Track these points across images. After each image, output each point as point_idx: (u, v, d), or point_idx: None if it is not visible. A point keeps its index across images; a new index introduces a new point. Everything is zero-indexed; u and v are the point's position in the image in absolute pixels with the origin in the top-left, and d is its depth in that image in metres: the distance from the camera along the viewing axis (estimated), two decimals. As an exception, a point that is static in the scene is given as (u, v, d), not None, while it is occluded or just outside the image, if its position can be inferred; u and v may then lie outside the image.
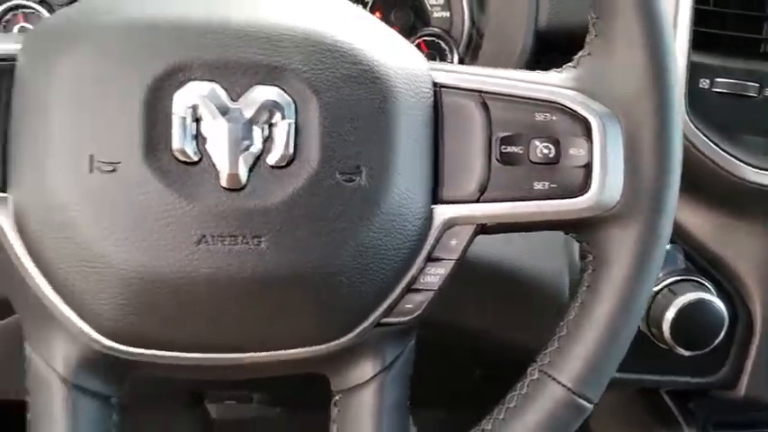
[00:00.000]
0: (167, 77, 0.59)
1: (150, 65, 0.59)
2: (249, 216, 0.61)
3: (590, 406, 0.71)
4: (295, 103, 0.62)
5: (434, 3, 1.32)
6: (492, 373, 1.42)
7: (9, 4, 1.14)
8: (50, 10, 1.16)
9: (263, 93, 0.62)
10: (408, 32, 1.29)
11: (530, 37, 1.15)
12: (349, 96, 0.64)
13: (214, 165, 0.61)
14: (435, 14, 1.32)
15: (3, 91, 0.62)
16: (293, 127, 0.62)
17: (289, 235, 0.62)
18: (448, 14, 1.32)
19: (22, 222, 0.62)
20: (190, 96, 0.60)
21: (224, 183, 0.61)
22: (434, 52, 1.30)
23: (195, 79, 0.61)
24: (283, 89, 0.62)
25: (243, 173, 0.61)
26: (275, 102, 0.62)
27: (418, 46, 1.29)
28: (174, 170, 0.60)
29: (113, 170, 0.59)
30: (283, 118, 0.62)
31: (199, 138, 0.61)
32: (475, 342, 1.21)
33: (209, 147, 0.61)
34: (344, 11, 0.70)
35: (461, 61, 1.30)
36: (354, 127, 0.64)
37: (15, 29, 1.15)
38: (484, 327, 1.12)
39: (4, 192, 0.62)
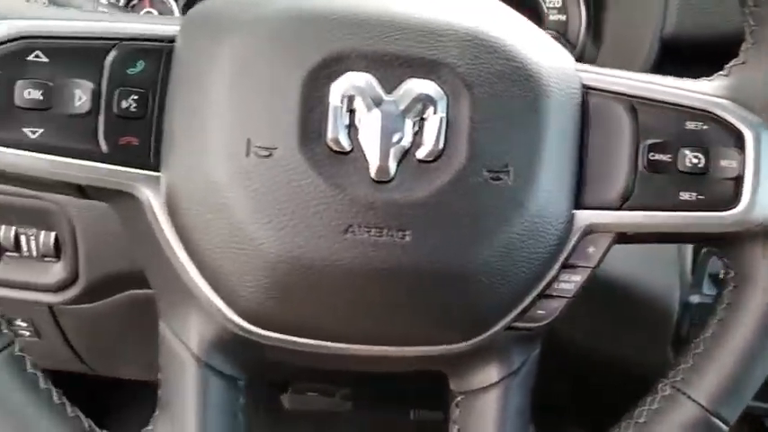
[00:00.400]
0: (325, 67, 0.59)
1: (309, 54, 0.59)
2: (395, 209, 0.61)
3: (725, 428, 0.68)
4: (447, 97, 0.62)
5: (551, 5, 1.29)
6: (582, 385, 1.39)
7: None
8: (176, -4, 1.19)
9: (418, 86, 0.61)
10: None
11: (655, 44, 1.12)
12: (501, 93, 0.63)
13: (365, 156, 0.61)
14: (551, 17, 1.30)
15: (161, 71, 0.63)
16: (444, 122, 0.61)
17: (432, 230, 0.61)
18: (564, 18, 1.30)
19: (172, 202, 0.63)
20: (346, 87, 0.61)
21: (373, 174, 0.60)
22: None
23: (352, 70, 0.61)
24: (437, 83, 0.62)
25: (392, 166, 0.61)
26: (429, 95, 0.61)
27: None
28: (327, 159, 0.60)
29: (269, 155, 0.60)
30: (435, 112, 0.61)
31: (352, 128, 0.61)
32: (570, 352, 1.18)
33: (361, 137, 0.61)
34: (497, 8, 0.69)
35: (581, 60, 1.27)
36: (505, 125, 0.63)
37: (142, 12, 1.19)
38: (582, 337, 1.09)
39: (156, 171, 0.63)
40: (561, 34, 1.28)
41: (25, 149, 0.61)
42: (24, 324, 1.22)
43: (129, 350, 1.31)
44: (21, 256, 1.08)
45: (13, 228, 1.04)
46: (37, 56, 0.61)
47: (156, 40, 0.62)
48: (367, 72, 0.61)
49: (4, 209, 1.02)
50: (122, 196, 0.64)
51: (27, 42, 0.61)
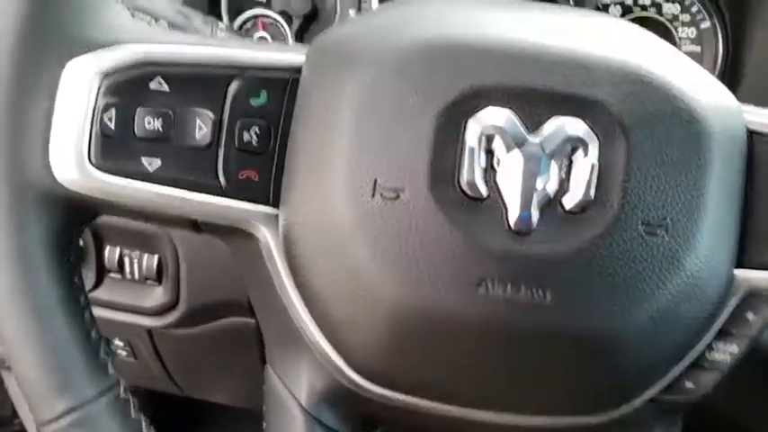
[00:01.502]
0: (461, 103, 0.54)
1: (443, 88, 0.54)
2: (536, 264, 0.54)
3: None
4: (599, 139, 0.55)
5: (684, 35, 1.20)
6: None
7: (250, 13, 1.16)
8: (289, 21, 1.16)
9: (565, 125, 0.55)
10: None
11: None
12: (660, 136, 0.55)
13: (503, 202, 0.54)
14: (684, 48, 1.20)
15: (285, 103, 0.59)
16: (596, 168, 0.54)
17: (577, 290, 0.54)
18: (698, 48, 1.20)
19: (290, 242, 0.58)
20: (484, 124, 0.54)
21: (512, 224, 0.54)
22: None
23: (491, 106, 0.55)
24: (588, 123, 0.55)
25: (534, 215, 0.54)
26: (578, 137, 0.54)
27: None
28: (460, 204, 0.54)
29: (396, 197, 0.54)
30: (585, 156, 0.54)
31: (489, 171, 0.55)
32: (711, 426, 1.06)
33: (499, 182, 0.55)
34: (653, 42, 0.62)
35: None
36: (663, 172, 0.55)
37: (255, 36, 1.17)
38: (735, 415, 0.98)
39: (275, 207, 0.59)
40: (694, 66, 1.18)
41: (141, 181, 0.58)
42: (122, 344, 1.21)
43: (222, 376, 1.28)
44: (123, 278, 1.07)
45: (118, 249, 1.03)
46: (158, 83, 0.58)
47: (280, 70, 0.58)
48: (508, 108, 0.55)
49: (109, 230, 1.02)
50: (238, 233, 0.60)
51: (149, 69, 0.58)
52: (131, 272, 1.06)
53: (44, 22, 0.56)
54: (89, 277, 1.08)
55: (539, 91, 0.55)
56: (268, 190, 0.59)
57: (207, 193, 0.58)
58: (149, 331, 1.14)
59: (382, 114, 0.56)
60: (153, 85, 0.58)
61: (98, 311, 1.12)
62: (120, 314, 1.10)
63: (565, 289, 0.54)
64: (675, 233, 0.55)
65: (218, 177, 0.58)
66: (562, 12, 0.65)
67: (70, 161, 0.57)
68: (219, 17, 1.18)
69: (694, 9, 1.19)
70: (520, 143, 0.54)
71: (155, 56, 0.58)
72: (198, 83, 0.59)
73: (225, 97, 0.59)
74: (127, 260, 1.05)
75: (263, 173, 0.59)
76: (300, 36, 1.19)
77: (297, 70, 0.59)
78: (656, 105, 0.56)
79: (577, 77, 0.55)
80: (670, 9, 1.20)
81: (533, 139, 0.54)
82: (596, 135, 0.55)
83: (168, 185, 0.58)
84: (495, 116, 0.55)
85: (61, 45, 0.57)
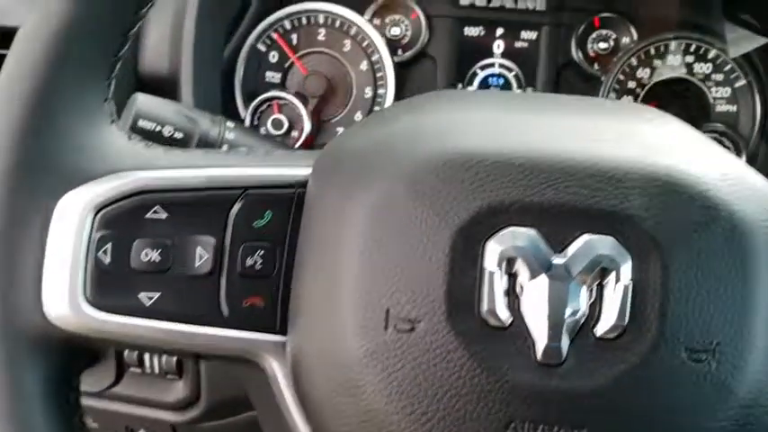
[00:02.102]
0: (478, 223, 0.49)
1: (460, 207, 0.49)
2: (569, 400, 0.48)
3: None
4: (633, 258, 0.49)
5: (718, 95, 1.14)
6: None
7: (265, 96, 1.14)
8: (304, 101, 1.14)
9: (594, 244, 0.50)
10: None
11: None
12: (700, 252, 0.50)
13: (529, 332, 0.49)
14: (719, 108, 1.14)
15: (290, 222, 0.55)
16: (630, 289, 0.49)
17: (616, 427, 0.48)
18: (734, 108, 1.14)
19: (298, 374, 0.54)
20: (504, 246, 0.50)
21: (540, 356, 0.49)
22: (716, 152, 1.11)
23: (511, 225, 0.50)
24: (619, 240, 0.50)
25: (563, 345, 0.49)
26: (609, 256, 0.49)
27: (696, 143, 1.11)
28: (481, 335, 0.49)
29: (411, 329, 0.50)
30: (618, 279, 0.49)
31: (512, 297, 0.50)
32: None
33: (524, 309, 0.49)
34: (681, 135, 0.57)
35: (751, 163, 1.10)
36: (706, 290, 0.50)
37: (269, 120, 1.15)
38: None
39: (283, 335, 0.55)
40: (731, 127, 1.12)
41: (140, 317, 0.54)
42: (145, 435, 1.18)
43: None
44: (143, 373, 1.04)
45: (137, 344, 1.01)
46: (156, 211, 0.55)
47: (285, 186, 0.55)
48: (530, 227, 0.50)
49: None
50: (243, 362, 0.56)
51: (146, 197, 0.55)
52: (151, 366, 1.03)
53: (35, 154, 0.53)
54: (109, 374, 1.06)
55: (562, 207, 0.50)
56: (274, 317, 0.55)
57: (209, 324, 0.54)
58: (173, 426, 1.10)
59: (394, 236, 0.51)
60: (150, 215, 0.54)
61: (121, 407, 1.10)
62: (143, 409, 1.08)
63: (602, 426, 0.48)
64: (724, 358, 0.49)
65: (220, 307, 0.55)
66: (578, 106, 0.60)
67: (64, 300, 0.53)
68: (234, 101, 1.16)
69: (727, 68, 1.14)
70: (545, 266, 0.49)
71: (152, 183, 0.55)
72: (198, 208, 0.55)
73: (227, 221, 0.55)
74: (147, 355, 1.02)
75: (268, 299, 0.55)
76: (317, 116, 1.16)
77: (302, 184, 0.55)
78: (692, 216, 0.50)
79: (604, 190, 0.50)
80: (701, 69, 1.14)
81: (559, 261, 0.49)
82: (628, 252, 0.50)
83: (168, 320, 0.54)
84: (517, 237, 0.50)
85: (53, 178, 0.54)
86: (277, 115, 1.16)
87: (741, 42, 1.10)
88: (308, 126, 1.15)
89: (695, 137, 0.57)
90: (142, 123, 0.76)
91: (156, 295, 0.54)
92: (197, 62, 1.03)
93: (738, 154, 1.12)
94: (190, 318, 0.54)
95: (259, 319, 0.55)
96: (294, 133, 1.18)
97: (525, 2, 1.16)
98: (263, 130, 1.17)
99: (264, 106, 1.16)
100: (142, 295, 0.54)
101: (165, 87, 1.06)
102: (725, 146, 1.14)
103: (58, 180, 0.54)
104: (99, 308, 0.54)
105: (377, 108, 1.17)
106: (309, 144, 1.16)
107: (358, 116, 1.17)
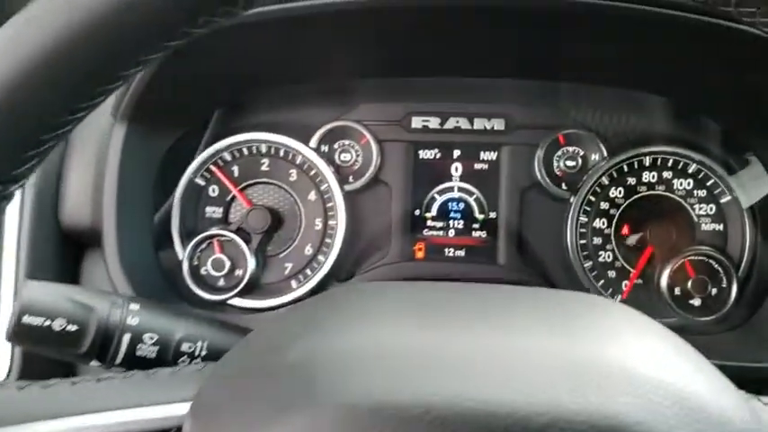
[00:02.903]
0: None
1: None
2: None
3: None
4: None
5: (703, 213, 1.03)
6: None
7: (204, 234, 1.05)
8: (248, 238, 1.05)
9: None
10: (667, 251, 1.03)
11: None
12: None
13: None
14: (704, 227, 1.03)
15: None
16: None
17: None
18: (721, 227, 1.03)
19: None
20: None
21: None
22: (705, 277, 0.99)
23: None
24: None
25: None
26: None
27: (682, 267, 1.00)
28: None
29: None
30: None
31: None
32: None
33: None
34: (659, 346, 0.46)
35: (742, 289, 0.98)
36: None
37: (209, 261, 1.05)
38: None
39: None
40: (719, 248, 1.00)
41: None
42: None
43: None
44: None
45: None
46: None
47: None
48: None
49: None
50: None
51: None
52: None
53: None
54: None
55: None
56: None
57: None
58: None
59: None
60: None
61: None
62: None
63: None
64: None
65: None
66: (533, 318, 0.50)
67: None
68: (171, 240, 1.07)
69: (710, 182, 1.03)
70: None
71: None
72: None
73: None
74: None
75: None
76: (263, 252, 1.07)
77: (179, 429, 0.49)
78: None
79: None
80: (682, 184, 1.04)
81: None
82: None
83: None
84: None
85: None
86: (218, 255, 1.06)
87: (751, 188, 1.00)
88: (251, 264, 1.06)
89: (660, 339, 0.47)
90: (28, 320, 0.66)
91: None
92: (122, 209, 0.95)
93: (729, 280, 1.00)
94: None
95: None
96: (238, 272, 1.09)
97: (482, 122, 1.06)
98: (203, 271, 1.08)
99: (204, 245, 1.07)
100: None
101: (87, 239, 0.98)
102: (713, 270, 1.03)
103: None
104: None
105: (328, 240, 1.07)
106: (254, 284, 1.06)
107: (308, 250, 1.07)
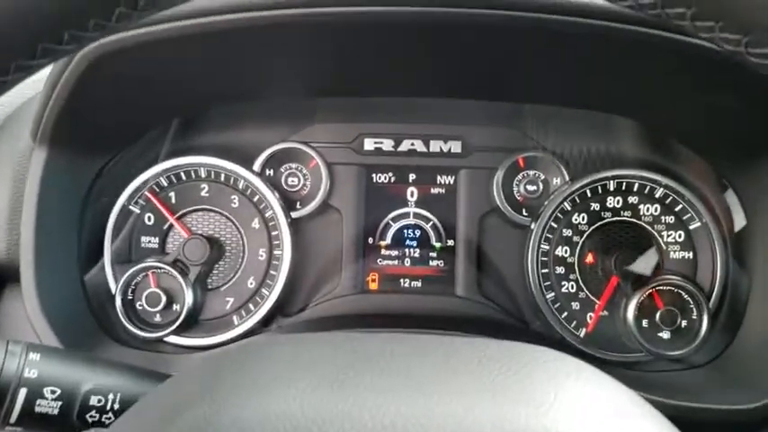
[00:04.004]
0: None
1: None
2: None
3: None
4: None
5: (671, 240, 0.96)
6: None
7: (140, 266, 0.96)
8: (184, 271, 0.96)
9: None
10: (634, 281, 0.95)
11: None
12: None
13: None
14: (673, 255, 0.98)
15: None
16: None
17: None
18: (690, 255, 0.98)
19: None
20: None
21: None
22: (674, 308, 0.93)
23: None
24: None
25: None
26: None
27: (650, 298, 0.93)
28: None
29: None
30: None
31: None
32: None
33: None
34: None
35: (712, 324, 0.91)
36: None
37: (144, 296, 0.97)
38: None
39: None
40: (688, 278, 0.94)
41: None
42: None
43: None
44: None
45: None
46: None
47: None
48: None
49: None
50: None
51: None
52: None
53: None
54: None
55: None
56: None
57: None
58: None
59: None
60: None
61: None
62: None
63: None
64: None
65: None
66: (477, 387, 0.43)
67: None
68: (103, 272, 0.98)
69: (678, 208, 0.97)
70: None
71: None
72: None
73: None
74: None
75: None
76: (202, 284, 0.99)
77: None
78: None
79: None
80: (648, 210, 0.98)
81: None
82: None
83: None
84: None
85: None
86: (153, 289, 0.98)
87: None
88: (189, 298, 0.97)
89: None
90: None
91: None
92: (42, 243, 0.86)
93: (699, 311, 0.93)
94: None
95: None
96: (175, 307, 1.00)
97: (438, 144, 1.00)
98: (138, 306, 1.00)
99: (139, 278, 0.99)
100: None
101: (4, 272, 0.89)
102: (683, 300, 0.96)
103: None
104: None
105: (273, 272, 0.99)
106: (192, 320, 0.98)
107: (251, 282, 0.99)
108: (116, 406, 0.64)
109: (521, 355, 0.45)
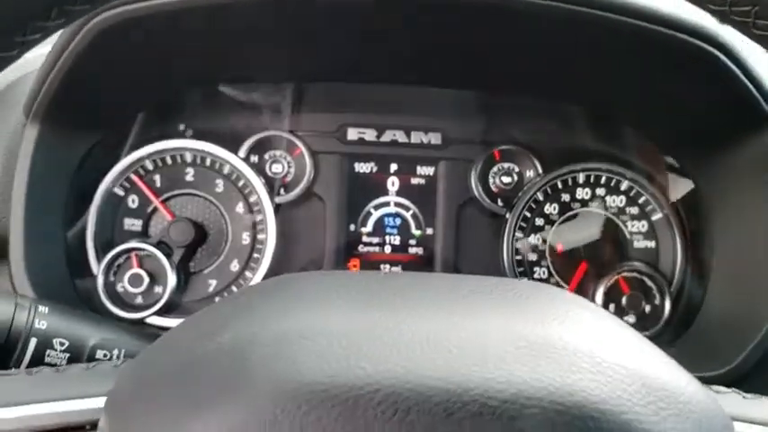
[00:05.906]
0: None
1: None
2: None
3: None
4: None
5: (635, 230, 1.03)
6: None
7: (121, 248, 0.97)
8: (168, 253, 0.98)
9: None
10: (601, 268, 1.02)
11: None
12: None
13: None
14: (636, 244, 1.04)
15: None
16: None
17: None
18: (653, 244, 1.04)
19: None
20: None
21: None
22: (639, 293, 0.99)
23: None
24: None
25: None
26: None
27: (616, 284, 0.99)
28: None
29: None
30: None
31: None
32: None
33: None
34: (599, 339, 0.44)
35: (674, 307, 0.98)
36: None
37: (126, 276, 0.97)
38: None
39: None
40: (651, 265, 1.01)
41: None
42: None
43: None
44: None
45: None
46: None
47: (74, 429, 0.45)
48: None
49: None
50: None
51: None
52: None
53: None
54: None
55: None
56: None
57: None
58: None
59: None
60: None
61: None
62: None
63: None
64: None
65: None
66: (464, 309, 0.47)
67: None
68: (86, 254, 0.99)
69: (642, 200, 1.04)
70: None
71: None
72: None
73: None
74: None
75: None
76: (185, 266, 1.00)
77: (94, 425, 0.45)
78: None
79: None
80: (614, 202, 1.04)
81: None
82: None
83: None
84: None
85: None
86: (136, 270, 0.99)
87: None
88: (172, 280, 0.98)
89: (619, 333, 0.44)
90: None
91: None
92: (32, 218, 0.86)
93: (662, 297, 1.00)
94: None
95: None
96: (157, 289, 1.01)
97: (419, 136, 1.04)
98: (119, 288, 1.00)
99: (122, 259, 0.99)
100: None
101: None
102: (647, 286, 1.03)
103: None
104: None
105: (256, 255, 1.01)
106: (174, 302, 0.99)
107: (234, 266, 1.01)
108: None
109: (532, 286, 0.49)
